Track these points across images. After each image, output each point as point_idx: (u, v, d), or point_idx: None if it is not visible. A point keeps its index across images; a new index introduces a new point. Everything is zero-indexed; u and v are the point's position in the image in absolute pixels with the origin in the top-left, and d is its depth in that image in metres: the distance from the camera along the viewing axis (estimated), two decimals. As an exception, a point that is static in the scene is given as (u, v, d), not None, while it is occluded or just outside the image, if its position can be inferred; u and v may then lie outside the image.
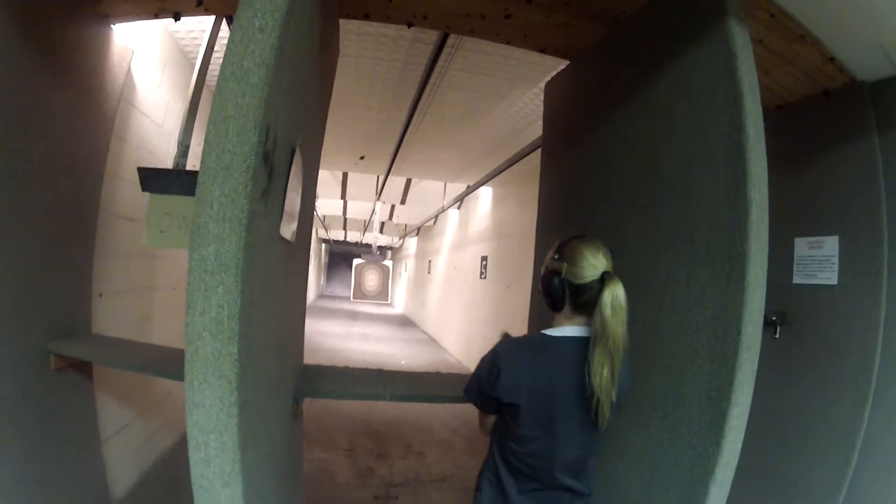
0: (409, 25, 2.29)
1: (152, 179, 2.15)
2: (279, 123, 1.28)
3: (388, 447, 4.50)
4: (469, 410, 1.66)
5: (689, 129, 1.65)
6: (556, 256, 1.47)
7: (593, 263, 1.39)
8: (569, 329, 1.44)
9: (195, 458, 1.13)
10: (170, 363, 2.23)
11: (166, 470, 3.33)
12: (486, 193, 8.77)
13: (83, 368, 2.28)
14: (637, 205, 1.88)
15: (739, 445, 1.44)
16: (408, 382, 2.49)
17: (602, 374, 1.32)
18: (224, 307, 1.10)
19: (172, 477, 3.23)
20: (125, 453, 2.88)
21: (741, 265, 1.44)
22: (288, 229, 1.59)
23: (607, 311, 1.31)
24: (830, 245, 2.26)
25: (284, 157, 1.42)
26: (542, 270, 1.53)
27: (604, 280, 1.36)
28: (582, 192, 2.30)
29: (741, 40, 1.52)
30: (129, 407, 2.93)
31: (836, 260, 2.24)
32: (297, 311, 2.19)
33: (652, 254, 1.78)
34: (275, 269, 1.49)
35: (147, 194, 2.18)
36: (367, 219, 13.90)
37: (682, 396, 1.58)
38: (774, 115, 2.48)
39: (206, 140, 1.12)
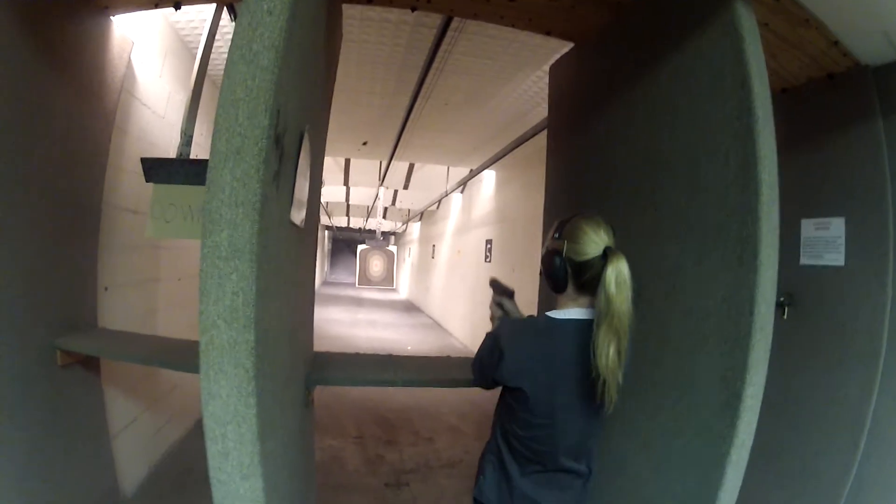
0: (413, 9, 2.27)
1: (156, 170, 2.14)
2: (289, 107, 1.26)
3: (397, 434, 4.53)
4: (477, 394, 1.65)
5: (696, 112, 1.64)
6: (556, 235, 1.43)
7: (594, 240, 1.35)
8: (573, 311, 1.40)
9: (212, 450, 1.11)
10: (177, 354, 2.23)
11: (175, 463, 3.34)
12: (489, 177, 8.74)
13: (90, 364, 2.28)
14: (644, 188, 1.87)
15: (754, 426, 1.44)
16: (418, 367, 2.50)
17: (608, 354, 1.26)
18: (239, 294, 1.08)
19: (181, 470, 3.24)
20: (134, 448, 2.89)
21: (753, 246, 1.44)
22: (298, 215, 1.59)
23: (611, 288, 1.26)
24: (837, 226, 2.25)
25: (294, 142, 1.41)
26: (543, 251, 1.49)
27: (606, 256, 1.31)
28: (589, 174, 2.29)
29: (748, 23, 1.50)
30: (137, 400, 2.94)
31: (842, 241, 2.23)
32: (306, 298, 2.19)
33: (659, 236, 1.78)
34: (286, 255, 1.49)
35: (150, 185, 2.17)
36: (371, 204, 13.88)
37: (695, 379, 1.58)
38: (779, 97, 2.44)
39: (216, 124, 1.10)
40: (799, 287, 2.36)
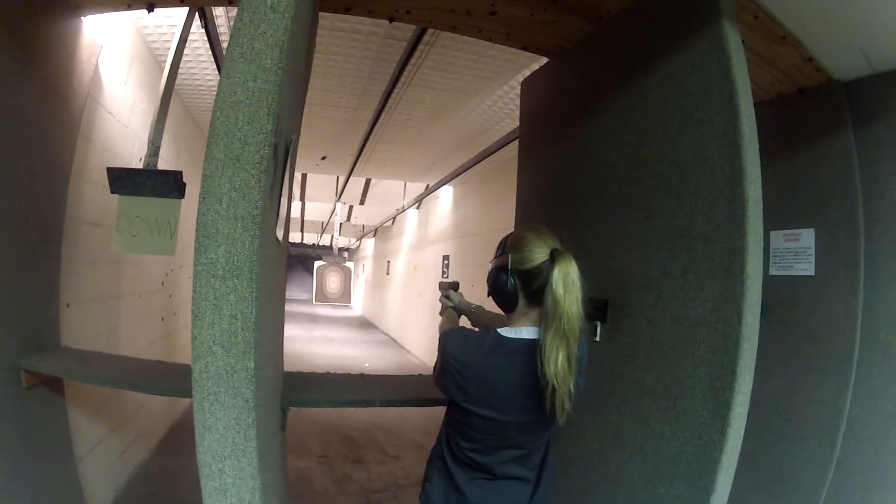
0: (391, 20, 2.22)
1: (123, 180, 2.02)
2: (283, 115, 1.20)
3: (363, 453, 4.42)
4: (440, 412, 1.61)
5: (683, 127, 1.66)
6: (499, 252, 1.42)
7: (539, 244, 1.32)
8: (525, 330, 1.35)
9: (209, 487, 1.03)
10: (144, 376, 2.10)
11: (141, 486, 3.18)
12: (446, 192, 8.74)
13: (54, 384, 2.12)
14: (629, 200, 1.88)
15: (742, 433, 1.46)
16: (394, 386, 2.43)
17: (557, 361, 1.21)
18: (237, 317, 1.00)
19: (147, 493, 3.09)
20: (100, 471, 2.73)
21: (740, 258, 1.46)
22: (280, 230, 1.52)
23: (559, 289, 1.22)
24: (806, 237, 2.32)
25: (282, 152, 1.34)
26: (488, 271, 1.45)
27: (553, 258, 1.27)
28: (567, 188, 2.28)
29: (735, 42, 1.54)
30: (102, 422, 2.77)
31: (812, 251, 2.30)
32: (282, 316, 2.10)
33: (646, 248, 1.78)
34: (274, 273, 1.41)
35: (114, 198, 2.05)
36: (326, 220, 13.64)
37: (684, 388, 1.58)
38: (750, 111, 2.54)
39: (213, 128, 1.02)
40: (771, 296, 2.42)
